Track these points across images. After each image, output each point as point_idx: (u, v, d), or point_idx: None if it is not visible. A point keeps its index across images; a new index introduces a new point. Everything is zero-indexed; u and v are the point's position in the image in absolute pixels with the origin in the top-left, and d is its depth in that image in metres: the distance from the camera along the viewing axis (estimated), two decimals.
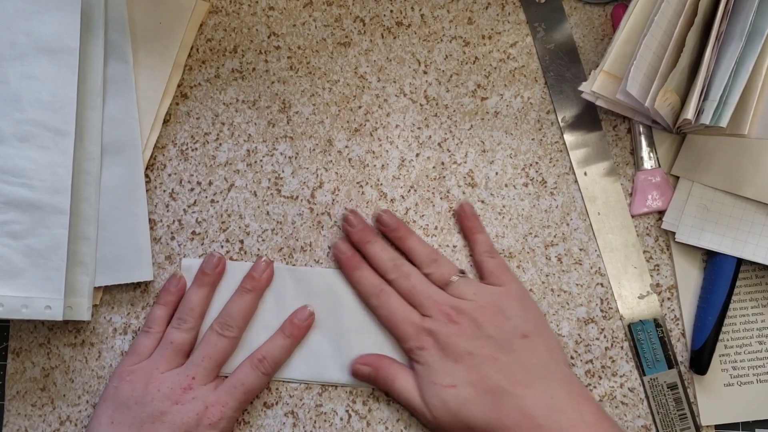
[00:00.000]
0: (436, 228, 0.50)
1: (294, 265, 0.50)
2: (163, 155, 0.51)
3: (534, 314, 0.47)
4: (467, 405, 0.44)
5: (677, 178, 0.50)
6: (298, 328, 0.48)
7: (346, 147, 0.51)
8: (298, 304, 0.49)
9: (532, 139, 0.51)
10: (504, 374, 0.44)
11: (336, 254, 0.49)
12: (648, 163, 0.50)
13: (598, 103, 0.48)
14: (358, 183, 0.51)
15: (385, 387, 0.47)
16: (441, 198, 0.51)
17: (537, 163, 0.51)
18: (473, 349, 0.45)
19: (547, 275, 0.50)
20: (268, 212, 0.51)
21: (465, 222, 0.50)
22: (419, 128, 0.51)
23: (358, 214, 0.49)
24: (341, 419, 0.49)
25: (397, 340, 0.48)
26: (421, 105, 0.51)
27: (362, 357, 0.48)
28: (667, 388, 0.48)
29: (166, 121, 0.51)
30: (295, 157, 0.51)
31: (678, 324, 0.49)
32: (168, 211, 0.51)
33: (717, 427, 0.49)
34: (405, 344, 0.47)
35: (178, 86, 0.51)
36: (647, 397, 0.49)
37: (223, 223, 0.51)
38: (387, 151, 0.51)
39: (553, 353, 0.46)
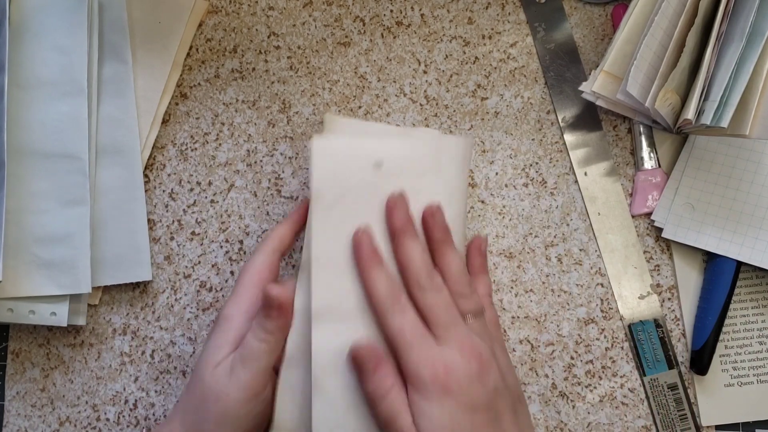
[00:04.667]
0: None
1: (293, 265, 0.50)
2: (163, 155, 0.51)
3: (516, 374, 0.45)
4: None
5: None
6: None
7: None
8: None
9: (532, 140, 0.51)
10: None
11: (356, 245, 0.42)
12: (648, 163, 0.50)
13: (599, 103, 0.47)
14: None
15: (374, 394, 0.39)
16: None
17: (537, 163, 0.51)
18: (490, 402, 0.39)
19: (547, 275, 0.50)
20: (268, 212, 0.51)
21: (475, 258, 0.46)
22: None
23: (404, 200, 0.42)
24: None
25: (399, 363, 0.40)
26: (421, 105, 0.51)
27: (367, 345, 0.40)
28: (668, 388, 0.48)
29: (165, 121, 0.51)
30: (295, 158, 0.51)
31: (678, 324, 0.49)
32: (167, 211, 0.51)
33: (717, 427, 0.49)
34: (414, 370, 0.39)
35: (178, 86, 0.51)
36: (647, 397, 0.49)
37: (222, 223, 0.51)
38: None
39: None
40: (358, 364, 0.40)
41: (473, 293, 0.42)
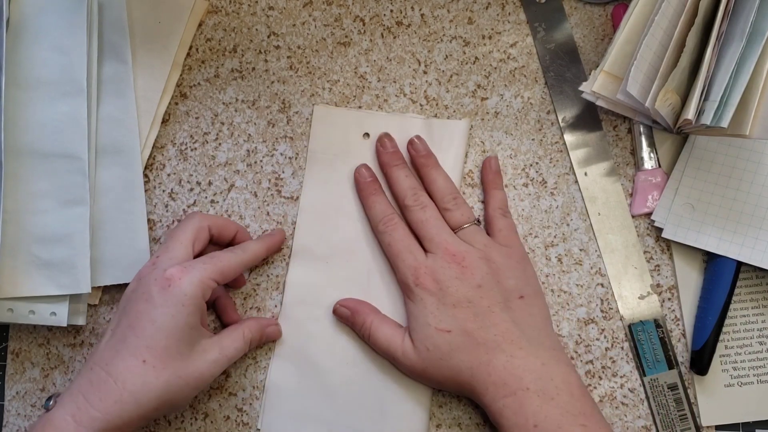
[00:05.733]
0: None
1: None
2: (162, 155, 0.51)
3: (533, 280, 0.47)
4: (458, 353, 0.44)
5: None
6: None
7: None
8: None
9: (532, 140, 0.51)
10: (500, 330, 0.44)
11: (356, 177, 0.49)
12: (648, 163, 0.50)
13: (599, 103, 0.47)
14: None
15: (362, 332, 0.47)
16: None
17: (537, 163, 0.51)
18: (473, 298, 0.44)
19: (547, 276, 0.50)
20: (268, 213, 0.51)
21: (487, 175, 0.49)
22: None
23: (392, 138, 0.49)
24: None
25: (395, 273, 0.48)
26: (421, 105, 0.51)
27: (344, 300, 0.48)
28: (668, 388, 0.48)
29: (165, 121, 0.51)
30: (296, 158, 0.51)
31: (678, 324, 0.49)
32: (167, 211, 0.51)
33: (717, 427, 0.49)
34: (402, 278, 0.46)
35: (178, 86, 0.51)
36: (647, 397, 0.49)
37: None
38: None
39: (546, 319, 0.46)
40: (339, 317, 0.48)
41: (460, 206, 0.47)
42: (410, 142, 0.49)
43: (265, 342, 0.48)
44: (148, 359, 0.41)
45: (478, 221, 0.48)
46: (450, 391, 0.48)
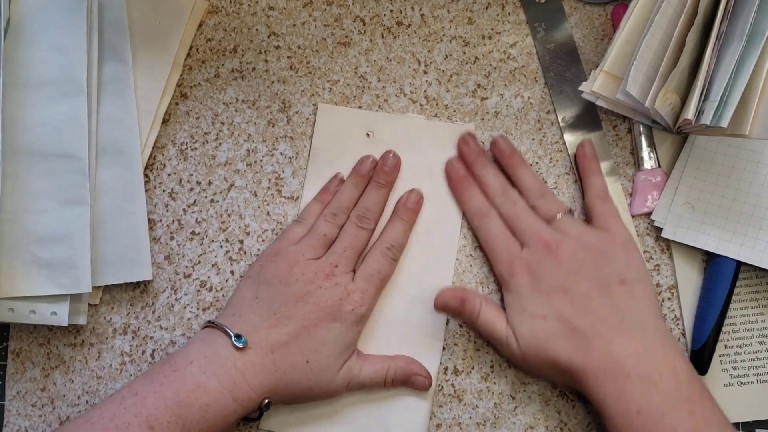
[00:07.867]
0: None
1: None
2: (163, 155, 0.51)
3: (636, 263, 0.46)
4: (555, 339, 0.43)
5: None
6: (412, 211, 0.48)
7: None
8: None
9: (532, 139, 0.51)
10: (597, 315, 0.43)
11: (449, 171, 0.50)
12: (648, 163, 0.50)
13: (599, 103, 0.48)
14: None
15: (470, 319, 0.46)
16: None
17: (537, 163, 0.51)
18: (569, 285, 0.44)
19: None
20: (268, 212, 0.51)
21: (583, 162, 0.49)
22: None
23: (475, 137, 0.49)
24: None
25: (492, 265, 0.48)
26: (421, 105, 0.51)
27: (447, 290, 0.47)
28: None
29: (165, 121, 0.51)
30: (296, 158, 0.51)
31: (678, 324, 0.49)
32: (167, 210, 0.51)
33: None
34: (498, 269, 0.47)
35: (178, 86, 0.51)
36: None
37: (222, 223, 0.51)
38: None
39: (651, 305, 0.45)
40: (444, 310, 0.47)
41: (548, 200, 0.47)
42: (493, 143, 0.49)
43: (410, 386, 0.47)
44: (311, 360, 0.44)
45: (571, 211, 0.48)
46: (554, 381, 0.48)
